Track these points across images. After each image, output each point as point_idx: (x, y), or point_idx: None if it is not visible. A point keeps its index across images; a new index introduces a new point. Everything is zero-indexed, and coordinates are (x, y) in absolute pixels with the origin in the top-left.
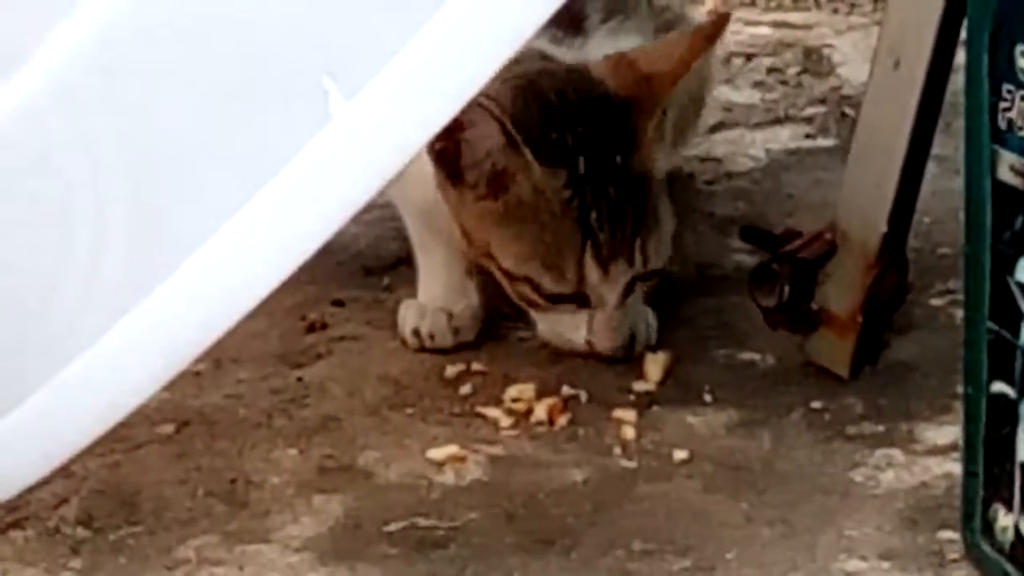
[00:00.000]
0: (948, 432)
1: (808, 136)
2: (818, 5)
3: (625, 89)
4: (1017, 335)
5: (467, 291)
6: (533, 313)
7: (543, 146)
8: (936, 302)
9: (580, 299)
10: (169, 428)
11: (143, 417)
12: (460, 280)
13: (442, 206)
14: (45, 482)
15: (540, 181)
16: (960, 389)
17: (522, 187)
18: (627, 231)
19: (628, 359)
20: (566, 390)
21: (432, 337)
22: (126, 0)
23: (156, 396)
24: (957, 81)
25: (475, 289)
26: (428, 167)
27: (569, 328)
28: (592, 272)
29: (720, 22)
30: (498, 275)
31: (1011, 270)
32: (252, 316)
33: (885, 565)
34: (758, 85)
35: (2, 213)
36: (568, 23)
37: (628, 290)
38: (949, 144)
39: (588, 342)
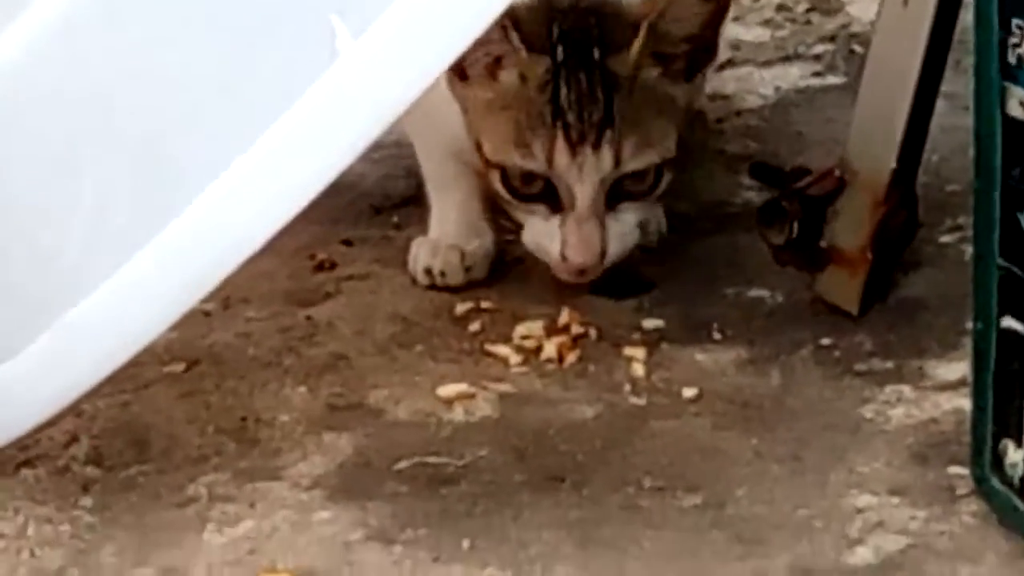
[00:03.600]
0: (957, 368)
1: (817, 74)
2: None
3: (638, 12)
4: None
5: (480, 230)
6: (517, 216)
7: (531, 35)
8: (946, 239)
9: (550, 195)
10: (179, 367)
11: (152, 356)
12: (475, 219)
13: (467, 143)
14: (55, 422)
15: (525, 67)
16: (969, 325)
17: (510, 74)
18: (594, 118)
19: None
20: (576, 328)
21: (444, 275)
22: None
23: (165, 335)
24: (966, 18)
25: (488, 228)
26: (455, 104)
27: (546, 238)
28: (561, 154)
29: None
30: (487, 176)
31: (1021, 206)
32: (261, 255)
33: (895, 500)
34: (767, 23)
35: (11, 152)
36: None
37: (609, 203)
38: (958, 81)
39: (562, 255)
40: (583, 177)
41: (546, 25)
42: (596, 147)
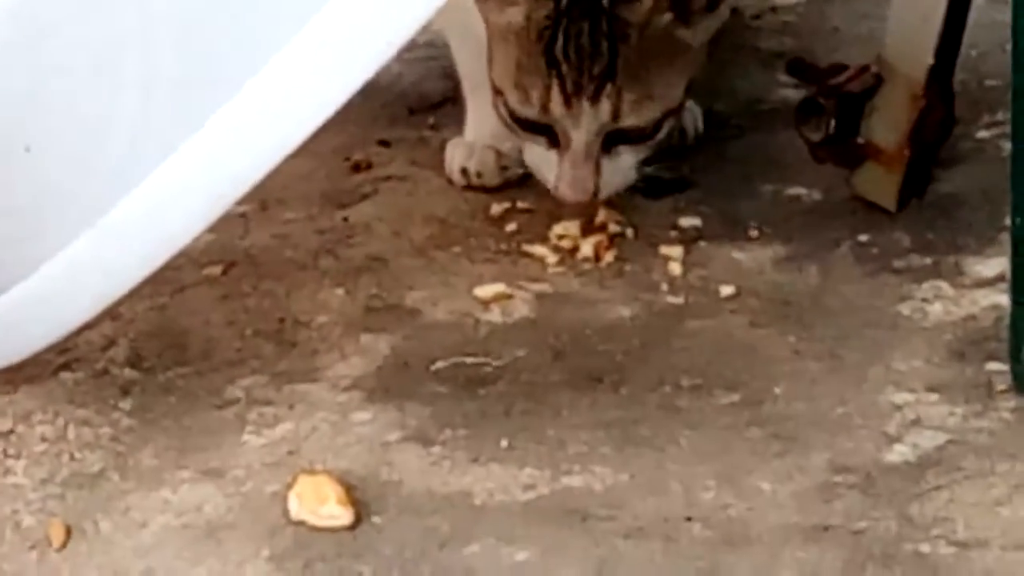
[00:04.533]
0: (995, 264)
1: None
2: None
3: None
4: None
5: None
6: (523, 142)
7: None
8: (983, 134)
9: (549, 132)
10: (216, 270)
11: (189, 259)
12: None
13: None
14: (93, 324)
15: (530, 6)
16: (1008, 221)
17: (518, 11)
18: (595, 70)
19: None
20: (612, 227)
21: (480, 175)
22: None
23: (202, 237)
24: None
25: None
26: None
27: (544, 165)
28: (556, 104)
29: None
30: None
31: None
32: (297, 157)
33: (933, 397)
34: None
35: (56, 58)
36: None
37: (606, 146)
38: None
39: (556, 187)
40: (579, 125)
41: None
42: (594, 100)
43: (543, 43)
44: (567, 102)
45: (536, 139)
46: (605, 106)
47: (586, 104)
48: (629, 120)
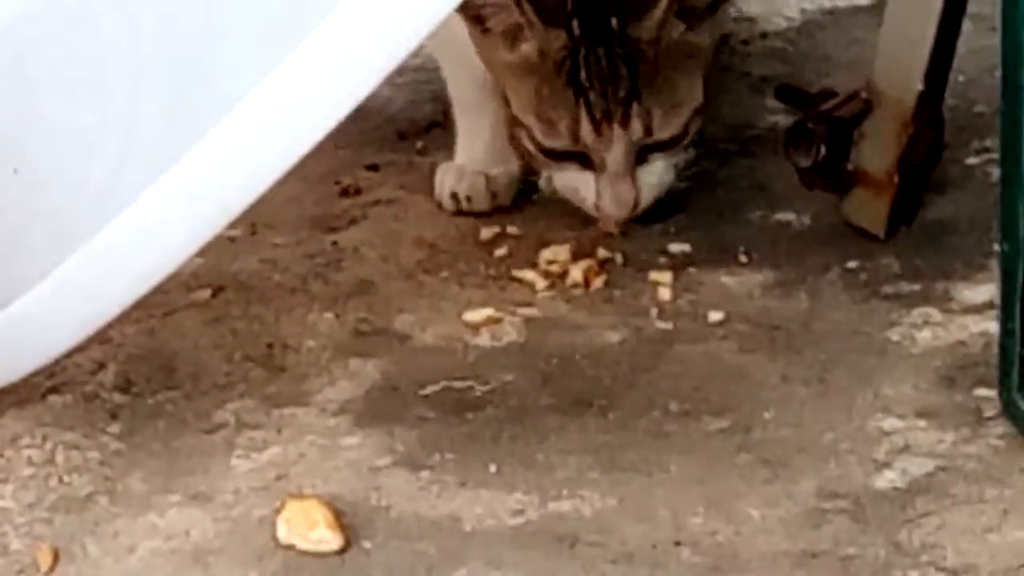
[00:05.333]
0: (984, 290)
1: None
2: None
3: None
4: None
5: (506, 155)
6: (547, 170)
7: (546, 6)
8: (972, 160)
9: (582, 159)
10: (205, 293)
11: (179, 283)
12: (502, 144)
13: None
14: (82, 348)
15: (542, 40)
16: (996, 247)
17: (530, 46)
18: (620, 94)
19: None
20: (601, 252)
21: (469, 200)
22: None
23: (191, 261)
24: None
25: (515, 154)
26: None
27: (581, 188)
28: (587, 132)
29: None
30: (513, 130)
31: None
32: (286, 181)
33: (922, 423)
34: None
35: (41, 75)
36: None
37: (640, 158)
38: (985, 2)
39: (597, 206)
40: (612, 148)
41: None
42: (624, 122)
43: (565, 74)
44: (597, 129)
45: (567, 166)
46: (636, 125)
47: (617, 127)
48: (662, 133)
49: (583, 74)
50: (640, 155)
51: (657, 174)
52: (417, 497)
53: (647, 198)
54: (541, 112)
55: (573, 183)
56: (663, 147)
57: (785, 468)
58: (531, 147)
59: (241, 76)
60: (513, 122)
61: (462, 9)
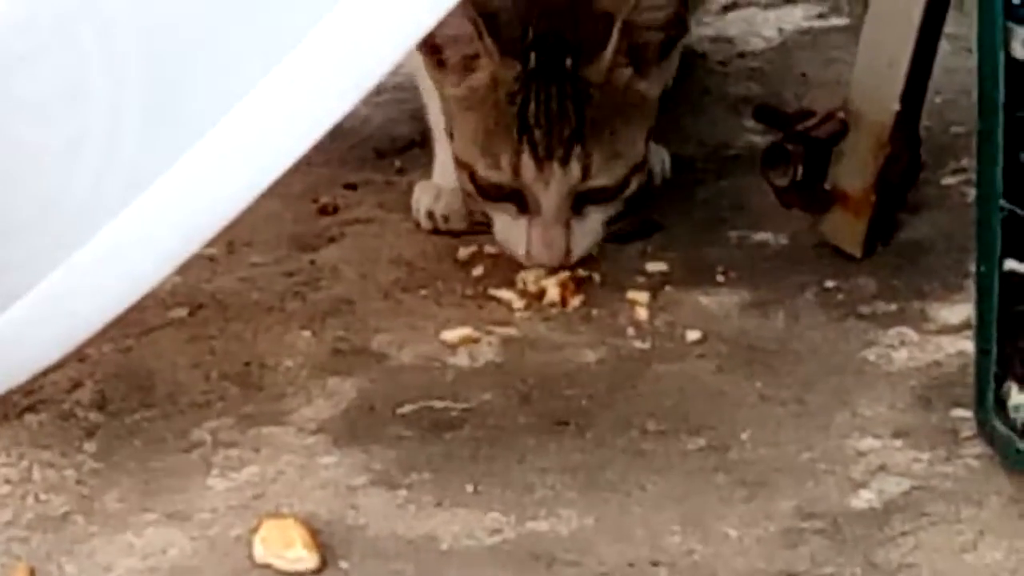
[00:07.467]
0: (961, 310)
1: (821, 15)
2: None
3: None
4: None
5: None
6: (490, 213)
7: (504, 37)
8: (949, 180)
9: (518, 199)
10: (182, 312)
11: (156, 301)
12: None
13: None
14: (59, 366)
15: (496, 70)
16: (973, 267)
17: (483, 73)
18: (564, 133)
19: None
20: (579, 272)
21: (446, 219)
22: None
23: (169, 280)
24: None
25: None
26: None
27: (513, 234)
28: (527, 169)
29: None
30: (456, 169)
31: None
32: (264, 199)
33: (898, 443)
34: None
35: (19, 92)
36: None
37: (576, 208)
38: (962, 23)
39: (528, 252)
40: (549, 189)
41: (521, 26)
42: (564, 162)
43: (515, 107)
44: (539, 166)
45: (503, 207)
46: (575, 167)
47: (556, 167)
48: (599, 180)
49: (531, 108)
50: (576, 204)
51: (591, 228)
52: (394, 516)
53: (578, 249)
54: (486, 145)
55: (508, 230)
56: (599, 198)
57: (762, 487)
58: (470, 187)
59: (220, 94)
60: (456, 162)
61: (420, 47)
